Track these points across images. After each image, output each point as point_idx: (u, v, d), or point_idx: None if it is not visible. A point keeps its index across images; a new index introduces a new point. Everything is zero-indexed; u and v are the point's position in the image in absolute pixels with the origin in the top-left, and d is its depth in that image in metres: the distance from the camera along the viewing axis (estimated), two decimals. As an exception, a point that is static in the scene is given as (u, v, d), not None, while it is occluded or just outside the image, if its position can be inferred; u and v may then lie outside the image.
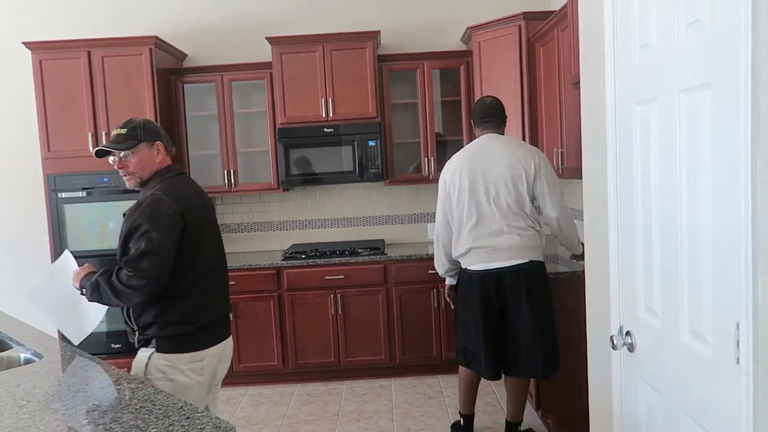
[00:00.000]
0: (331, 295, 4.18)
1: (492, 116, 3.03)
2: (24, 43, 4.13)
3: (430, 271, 4.09)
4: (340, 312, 4.19)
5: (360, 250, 4.29)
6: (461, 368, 3.15)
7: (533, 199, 2.95)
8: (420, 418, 3.57)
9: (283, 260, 4.21)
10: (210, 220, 2.26)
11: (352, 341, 4.21)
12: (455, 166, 3.02)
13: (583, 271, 3.16)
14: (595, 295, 2.10)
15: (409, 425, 3.49)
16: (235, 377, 4.25)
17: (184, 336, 2.03)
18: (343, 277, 4.17)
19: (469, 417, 3.20)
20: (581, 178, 3.30)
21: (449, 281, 3.23)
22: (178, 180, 2.22)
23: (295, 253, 4.32)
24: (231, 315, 2.70)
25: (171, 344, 2.02)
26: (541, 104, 3.91)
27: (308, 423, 3.59)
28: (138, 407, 1.53)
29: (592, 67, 2.03)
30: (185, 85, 4.44)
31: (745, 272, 1.19)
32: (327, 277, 4.17)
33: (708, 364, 1.35)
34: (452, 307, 3.29)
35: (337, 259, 4.19)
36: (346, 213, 4.80)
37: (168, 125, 4.33)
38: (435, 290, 4.16)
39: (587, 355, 2.19)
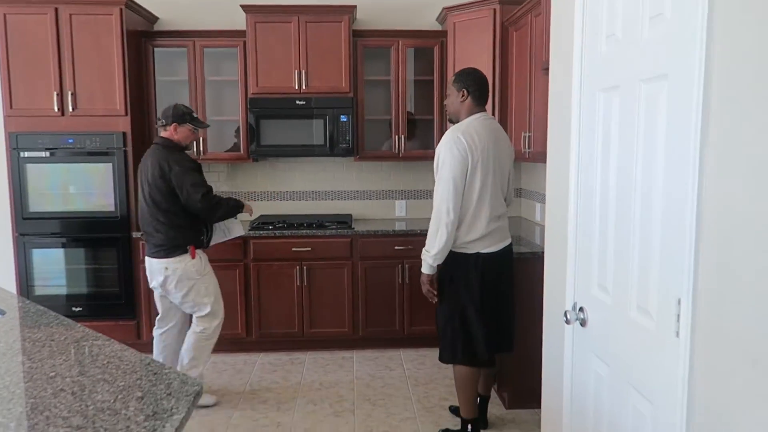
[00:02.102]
0: (297, 267, 4.22)
1: (487, 95, 2.97)
2: (-12, -5, 4.00)
3: (396, 247, 4.19)
4: (305, 284, 4.23)
5: (327, 224, 4.34)
6: (463, 369, 2.91)
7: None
8: (380, 389, 3.67)
9: (250, 230, 4.23)
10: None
11: (316, 313, 4.27)
12: (481, 145, 2.76)
13: (543, 252, 3.31)
14: (553, 273, 2.20)
15: (369, 395, 3.58)
16: (197, 344, 4.27)
17: None
18: (309, 249, 4.21)
19: (477, 420, 3.00)
20: (545, 162, 3.43)
21: (432, 271, 2.87)
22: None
23: (262, 223, 4.34)
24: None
25: None
26: (512, 88, 3.98)
27: (270, 390, 3.65)
28: (106, 362, 1.56)
29: (562, 54, 2.10)
30: (156, 49, 4.37)
31: (689, 253, 1.28)
32: (293, 249, 4.21)
33: (651, 337, 1.45)
34: (434, 301, 2.94)
35: (305, 231, 4.23)
36: (315, 186, 4.83)
37: (137, 88, 4.26)
38: (400, 266, 4.24)
39: (542, 331, 2.30)
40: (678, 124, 1.33)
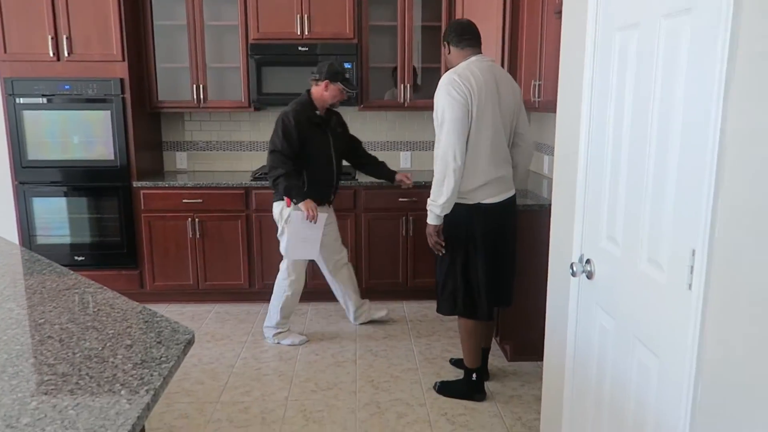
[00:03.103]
0: (300, 218, 4.16)
1: (478, 37, 2.81)
2: (-24, -69, 3.83)
3: (400, 199, 4.12)
4: (308, 235, 4.18)
5: (330, 175, 4.25)
6: (467, 321, 2.88)
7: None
8: (383, 340, 3.66)
9: (252, 180, 4.16)
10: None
11: (317, 264, 4.23)
12: (478, 85, 2.61)
13: (550, 204, 3.23)
14: (560, 225, 2.12)
15: (372, 346, 3.58)
16: (201, 295, 4.28)
17: None
18: (312, 200, 4.14)
19: (480, 369, 2.98)
20: (555, 111, 3.31)
21: (439, 222, 2.76)
22: None
23: (264, 174, 4.25)
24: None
25: None
26: (522, 34, 3.82)
27: (272, 341, 3.66)
28: (96, 310, 1.52)
29: (577, -9, 1.97)
30: (153, -9, 4.21)
31: (707, 200, 1.20)
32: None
33: (662, 290, 1.39)
34: (441, 253, 2.84)
35: (307, 182, 4.15)
36: (318, 137, 4.72)
37: (134, 33, 4.12)
38: (404, 218, 4.18)
39: (547, 284, 2.25)
40: (701, 63, 1.22)
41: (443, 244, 2.83)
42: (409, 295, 4.34)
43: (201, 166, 4.72)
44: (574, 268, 1.82)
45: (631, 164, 1.55)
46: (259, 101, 4.26)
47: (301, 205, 3.32)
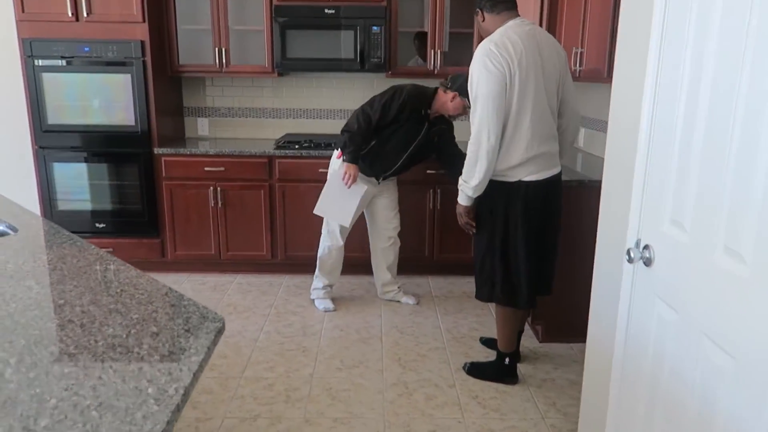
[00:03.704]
0: (324, 189, 4.03)
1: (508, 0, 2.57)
2: None
3: (428, 171, 3.97)
4: (332, 206, 4.06)
5: (356, 144, 4.10)
6: (504, 308, 2.73)
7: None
8: (408, 317, 3.56)
9: (275, 149, 4.03)
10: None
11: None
12: (518, 53, 2.40)
13: (590, 181, 3.07)
14: (612, 205, 1.97)
15: (397, 322, 3.48)
16: (223, 265, 4.21)
17: None
18: (337, 171, 4.01)
19: (514, 353, 2.87)
20: (601, 81, 3.12)
21: (470, 202, 2.64)
22: None
23: (288, 142, 4.13)
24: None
25: None
26: (563, 0, 3.59)
27: (295, 314, 3.58)
28: (119, 290, 1.42)
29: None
30: (174, -51, 4.02)
31: (810, 188, 1.05)
32: (321, 170, 4.00)
33: (742, 284, 1.24)
34: (472, 233, 2.74)
35: (332, 152, 4.00)
36: (343, 104, 4.56)
37: (155, -7, 3.96)
38: (432, 191, 4.04)
39: (593, 267, 2.11)
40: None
41: (474, 224, 2.69)
42: (435, 270, 4.22)
43: (223, 133, 4.60)
44: (632, 254, 1.67)
45: (708, 140, 1.39)
46: (283, 66, 4.10)
47: (344, 164, 3.33)
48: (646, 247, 1.66)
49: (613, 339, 1.88)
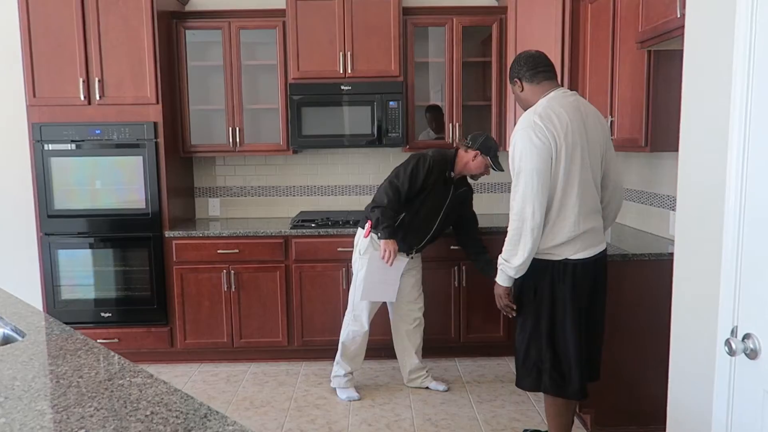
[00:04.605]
0: (343, 269, 3.84)
1: (552, 67, 2.48)
2: (8, -26, 3.68)
3: (452, 247, 3.78)
4: (352, 287, 3.85)
5: (375, 221, 3.93)
6: (555, 399, 2.49)
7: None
8: (440, 407, 3.27)
9: (291, 228, 3.86)
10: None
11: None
12: (564, 127, 2.27)
13: (634, 254, 2.87)
14: (693, 288, 1.77)
15: (430, 414, 3.19)
16: (235, 353, 3.94)
17: None
18: (356, 249, 3.82)
19: None
20: (638, 150, 2.99)
21: (511, 283, 2.46)
22: None
23: (303, 221, 3.96)
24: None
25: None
26: (585, 69, 3.53)
27: (318, 407, 3.29)
28: (148, 412, 1.19)
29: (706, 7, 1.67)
30: (188, 31, 4.01)
31: None
32: (339, 249, 3.83)
33: None
34: (512, 315, 2.55)
35: (351, 230, 3.83)
36: (360, 180, 4.44)
37: (168, 75, 3.91)
38: (456, 267, 3.84)
39: (669, 359, 1.88)
40: None
41: (515, 306, 2.49)
42: (463, 351, 3.96)
43: (235, 213, 4.44)
44: (733, 346, 1.46)
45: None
46: (299, 144, 4.00)
47: (381, 242, 3.16)
48: (747, 336, 1.45)
49: (708, 439, 1.64)
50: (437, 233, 3.35)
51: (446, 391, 3.46)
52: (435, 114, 4.19)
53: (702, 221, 1.70)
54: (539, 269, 2.40)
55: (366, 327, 3.35)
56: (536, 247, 2.34)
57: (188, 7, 4.23)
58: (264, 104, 4.16)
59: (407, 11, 3.97)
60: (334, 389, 3.44)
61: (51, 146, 3.76)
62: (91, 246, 3.86)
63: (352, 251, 3.80)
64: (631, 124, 2.96)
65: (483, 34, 4.14)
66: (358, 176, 4.43)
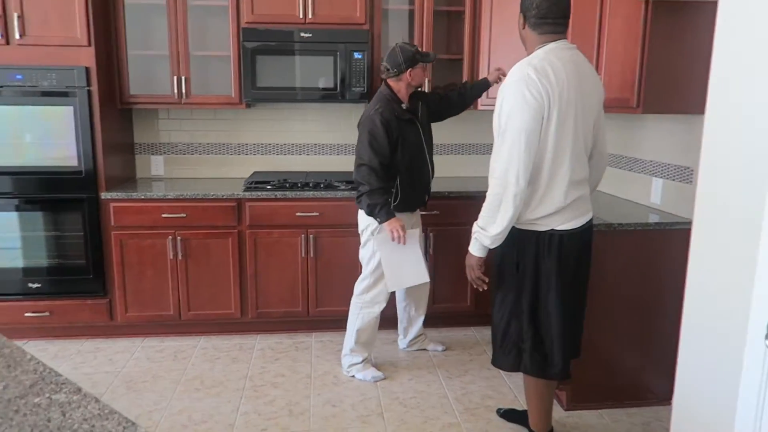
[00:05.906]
0: (302, 235, 3.54)
1: (566, 20, 2.17)
2: None
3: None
4: (311, 255, 3.57)
5: (337, 184, 3.63)
6: (536, 381, 2.33)
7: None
8: (408, 384, 3.07)
9: (244, 191, 3.51)
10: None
11: (324, 289, 3.62)
12: (560, 83, 2.03)
13: (620, 224, 2.69)
14: (714, 275, 1.57)
15: (398, 392, 2.98)
16: (183, 326, 3.63)
17: None
18: (317, 214, 3.53)
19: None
20: (624, 111, 2.78)
21: (485, 253, 2.24)
22: None
23: (258, 182, 3.61)
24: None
25: None
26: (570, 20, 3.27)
27: (276, 386, 3.03)
28: (72, 449, 0.89)
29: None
30: (125, -36, 3.51)
31: None
32: (298, 214, 3.52)
33: None
34: (483, 288, 2.35)
35: (311, 192, 3.52)
36: (319, 138, 4.10)
37: (102, 13, 3.42)
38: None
39: (678, 346, 1.70)
40: None
41: (487, 279, 2.28)
42: (428, 322, 3.75)
43: (181, 173, 4.04)
44: (776, 342, 1.27)
45: None
46: (253, 96, 3.61)
47: (384, 225, 2.85)
48: (789, 330, 1.27)
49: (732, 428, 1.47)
50: (434, 169, 3.13)
51: (443, 350, 3.46)
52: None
53: (732, 198, 1.49)
54: (522, 240, 2.19)
55: (380, 310, 3.11)
56: (516, 216, 2.12)
57: (125, -64, 3.71)
58: (214, 51, 3.73)
59: (375, -48, 3.59)
60: (352, 376, 3.13)
61: (-37, 92, 3.25)
62: (16, 208, 3.41)
63: (313, 215, 3.52)
64: (621, 83, 2.74)
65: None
66: (318, 134, 4.09)
